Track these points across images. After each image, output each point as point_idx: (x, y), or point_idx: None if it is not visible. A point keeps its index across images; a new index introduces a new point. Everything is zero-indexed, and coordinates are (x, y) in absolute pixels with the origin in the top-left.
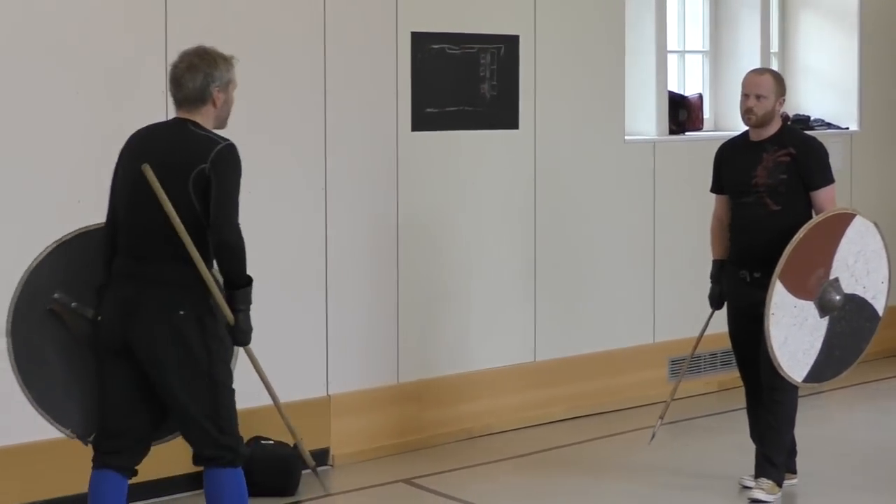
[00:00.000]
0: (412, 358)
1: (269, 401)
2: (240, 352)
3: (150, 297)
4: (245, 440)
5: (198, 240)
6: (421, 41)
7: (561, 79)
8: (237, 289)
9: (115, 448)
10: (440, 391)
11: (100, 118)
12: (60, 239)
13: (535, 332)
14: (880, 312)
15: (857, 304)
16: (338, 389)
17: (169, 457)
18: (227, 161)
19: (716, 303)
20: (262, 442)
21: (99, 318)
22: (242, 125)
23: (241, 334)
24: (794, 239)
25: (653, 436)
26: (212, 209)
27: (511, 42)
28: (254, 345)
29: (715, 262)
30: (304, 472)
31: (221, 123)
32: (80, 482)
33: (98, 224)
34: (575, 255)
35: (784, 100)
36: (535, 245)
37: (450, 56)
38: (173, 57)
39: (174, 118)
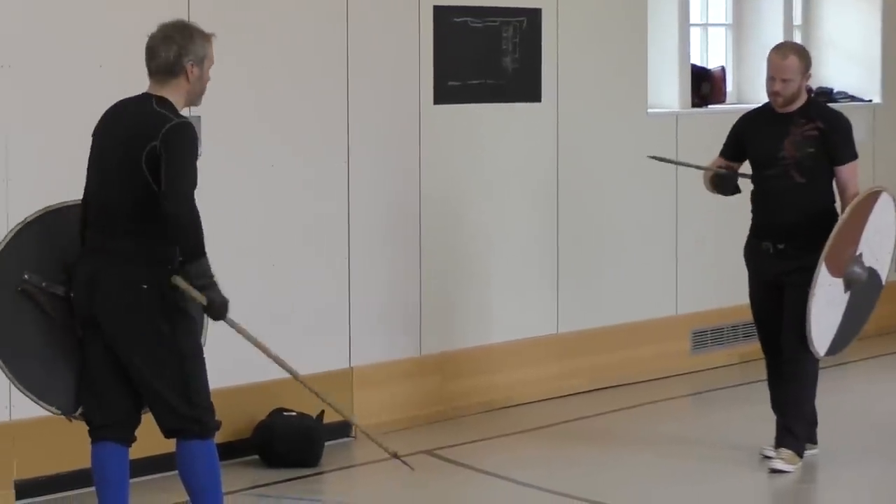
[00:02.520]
0: (434, 330)
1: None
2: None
3: (114, 271)
4: (267, 412)
5: (150, 217)
6: (443, 14)
7: (583, 52)
8: (190, 262)
9: (106, 421)
10: (462, 363)
11: (122, 93)
12: (24, 220)
13: (558, 304)
14: (883, 283)
15: (873, 277)
16: (360, 362)
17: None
18: (177, 136)
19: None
20: (285, 413)
21: (71, 294)
22: (267, 100)
23: (213, 310)
24: (839, 221)
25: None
26: (162, 184)
27: (533, 15)
28: (276, 321)
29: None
30: (326, 443)
31: (194, 99)
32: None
33: (63, 202)
34: (597, 226)
35: (810, 75)
36: (558, 217)
37: (472, 29)
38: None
39: (142, 93)
